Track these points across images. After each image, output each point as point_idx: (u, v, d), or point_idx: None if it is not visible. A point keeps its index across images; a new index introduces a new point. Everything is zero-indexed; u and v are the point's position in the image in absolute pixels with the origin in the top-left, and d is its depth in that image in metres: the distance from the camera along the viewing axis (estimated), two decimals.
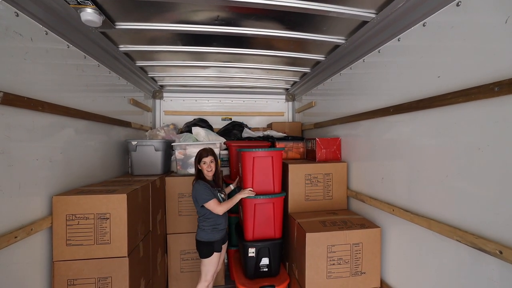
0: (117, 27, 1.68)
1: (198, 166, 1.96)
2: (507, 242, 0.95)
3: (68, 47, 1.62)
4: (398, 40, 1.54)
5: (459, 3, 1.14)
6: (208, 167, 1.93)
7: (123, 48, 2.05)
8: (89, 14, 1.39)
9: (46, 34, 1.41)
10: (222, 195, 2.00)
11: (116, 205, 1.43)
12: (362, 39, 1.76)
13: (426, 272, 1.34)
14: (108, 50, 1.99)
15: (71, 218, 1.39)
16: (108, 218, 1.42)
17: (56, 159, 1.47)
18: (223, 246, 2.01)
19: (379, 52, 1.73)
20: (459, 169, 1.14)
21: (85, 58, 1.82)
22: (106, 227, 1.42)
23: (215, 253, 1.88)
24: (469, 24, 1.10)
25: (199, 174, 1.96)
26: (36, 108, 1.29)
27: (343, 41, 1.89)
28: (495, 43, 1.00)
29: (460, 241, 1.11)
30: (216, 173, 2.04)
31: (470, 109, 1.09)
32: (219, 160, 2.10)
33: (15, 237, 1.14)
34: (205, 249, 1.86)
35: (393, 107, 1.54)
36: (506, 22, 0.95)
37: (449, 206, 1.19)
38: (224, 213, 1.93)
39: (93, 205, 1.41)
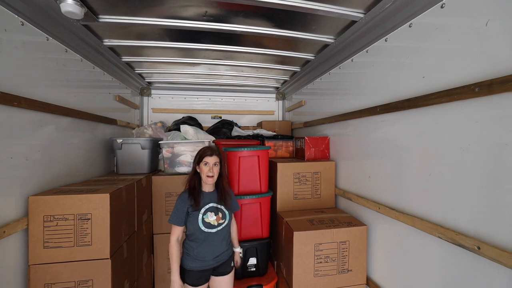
0: (101, 20, 1.61)
1: (197, 167, 1.57)
2: (485, 238, 0.97)
3: (48, 40, 1.54)
4: (386, 41, 1.56)
5: (443, 5, 1.16)
6: (210, 171, 1.52)
7: (107, 42, 1.97)
8: (69, 5, 1.33)
9: (22, 24, 1.34)
10: (213, 219, 1.51)
11: (98, 205, 1.38)
12: (350, 38, 1.77)
13: (410, 269, 1.37)
14: (92, 44, 1.92)
15: (49, 219, 1.33)
16: (89, 219, 1.37)
17: (33, 157, 1.40)
18: (216, 279, 1.58)
19: (367, 52, 1.75)
20: (442, 168, 1.16)
21: (66, 52, 1.74)
22: (87, 228, 1.37)
23: (186, 285, 1.50)
24: (453, 26, 1.12)
25: (192, 180, 1.56)
26: (11, 103, 1.23)
27: (332, 41, 1.89)
28: (476, 45, 1.02)
29: (441, 238, 1.14)
30: (220, 182, 1.61)
31: (453, 109, 1.11)
32: (225, 165, 1.64)
33: None
34: (182, 272, 1.51)
35: (380, 107, 1.55)
36: (486, 24, 0.98)
37: (432, 204, 1.22)
38: (211, 242, 1.51)
39: (73, 205, 1.35)
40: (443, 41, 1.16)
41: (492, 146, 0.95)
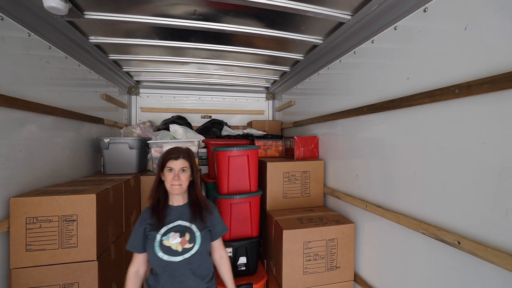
0: (86, 16, 1.57)
1: (161, 175, 1.26)
2: (464, 233, 1.02)
3: (29, 36, 1.49)
4: (372, 42, 1.60)
5: (426, 9, 1.21)
6: (175, 179, 1.20)
7: (93, 39, 1.92)
8: (52, 1, 1.28)
9: (2, 19, 1.29)
10: (176, 242, 1.16)
11: (84, 206, 1.34)
12: (338, 40, 1.81)
13: (396, 264, 1.41)
14: (77, 42, 1.86)
15: (31, 221, 1.29)
16: (75, 220, 1.33)
17: (14, 157, 1.35)
18: None
19: (354, 53, 1.78)
20: (425, 166, 1.21)
21: (49, 48, 1.69)
22: (72, 229, 1.33)
23: None
24: (434, 29, 1.16)
25: (156, 192, 1.26)
26: None
27: (320, 41, 1.92)
28: (456, 48, 1.06)
29: (425, 234, 1.18)
30: (193, 192, 1.30)
31: (435, 110, 1.15)
32: (197, 168, 1.34)
33: None
34: None
35: (367, 107, 1.59)
36: (465, 29, 1.02)
37: (415, 201, 1.26)
38: (172, 277, 1.15)
39: (57, 206, 1.31)
40: (426, 44, 1.21)
41: (470, 145, 1.00)
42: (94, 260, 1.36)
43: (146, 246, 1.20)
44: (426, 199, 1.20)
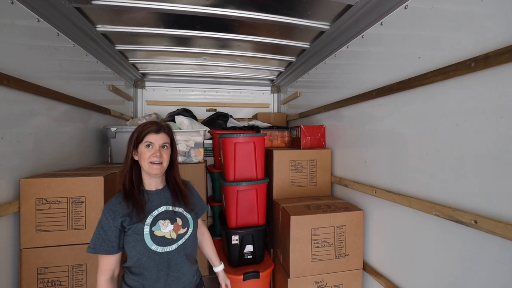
0: (94, 2, 1.58)
1: (134, 154, 1.06)
2: (481, 212, 0.98)
3: (38, 21, 1.50)
4: (381, 25, 1.56)
5: None
6: (155, 155, 1.03)
7: (101, 28, 1.93)
8: None
9: (12, 3, 1.30)
10: (169, 229, 1.04)
11: (92, 188, 1.35)
12: (346, 24, 1.78)
13: (407, 250, 1.38)
14: (84, 30, 1.87)
15: (41, 202, 1.30)
16: (83, 202, 1.34)
17: (24, 139, 1.36)
18: None
19: (362, 37, 1.75)
20: (438, 146, 1.17)
21: (58, 36, 1.70)
22: (80, 211, 1.34)
23: None
24: (447, 2, 1.13)
25: (128, 174, 1.05)
26: (1, 82, 1.19)
27: (327, 27, 1.90)
28: (471, 21, 1.03)
29: (438, 215, 1.15)
30: (171, 174, 1.15)
31: (448, 87, 1.12)
32: (177, 149, 1.18)
33: None
34: None
35: (376, 90, 1.56)
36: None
37: (428, 182, 1.23)
38: (173, 270, 1.04)
39: (66, 188, 1.32)
40: (438, 20, 1.17)
41: (488, 119, 0.96)
42: None
43: (125, 243, 1.01)
44: (440, 180, 1.17)
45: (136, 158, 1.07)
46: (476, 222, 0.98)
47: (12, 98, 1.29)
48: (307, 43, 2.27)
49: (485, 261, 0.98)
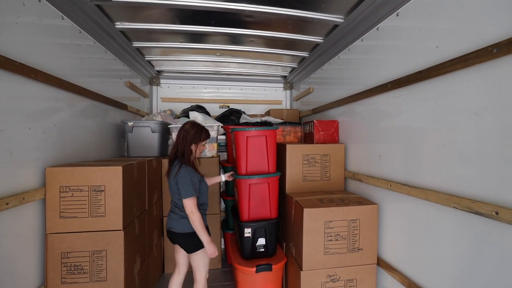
0: None
1: (193, 146, 1.67)
2: (503, 203, 0.95)
3: (63, 19, 1.58)
4: (397, 15, 1.53)
5: None
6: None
7: (119, 25, 2.01)
8: None
9: (39, 1, 1.37)
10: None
11: (111, 177, 1.41)
12: (361, 16, 1.75)
13: (423, 244, 1.34)
14: (104, 27, 1.95)
15: (65, 190, 1.37)
16: (103, 191, 1.40)
17: (49, 130, 1.44)
18: None
19: (377, 29, 1.72)
20: (457, 137, 1.14)
21: (80, 33, 1.78)
22: (101, 199, 1.40)
23: None
24: None
25: (188, 157, 1.63)
26: (29, 75, 1.26)
27: (341, 20, 1.88)
28: (493, 5, 0.99)
29: (457, 208, 1.11)
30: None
31: (468, 75, 1.08)
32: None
33: (6, 204, 1.12)
34: (197, 239, 1.57)
35: (391, 82, 1.53)
36: None
37: (446, 174, 1.19)
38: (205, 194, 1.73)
39: (87, 177, 1.39)
40: (457, 7, 1.14)
41: (510, 107, 0.93)
42: (120, 230, 1.42)
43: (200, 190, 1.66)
44: (458, 172, 1.13)
45: (192, 149, 1.68)
46: (497, 213, 0.95)
47: (39, 90, 1.36)
48: (321, 38, 2.25)
49: (507, 254, 0.95)
